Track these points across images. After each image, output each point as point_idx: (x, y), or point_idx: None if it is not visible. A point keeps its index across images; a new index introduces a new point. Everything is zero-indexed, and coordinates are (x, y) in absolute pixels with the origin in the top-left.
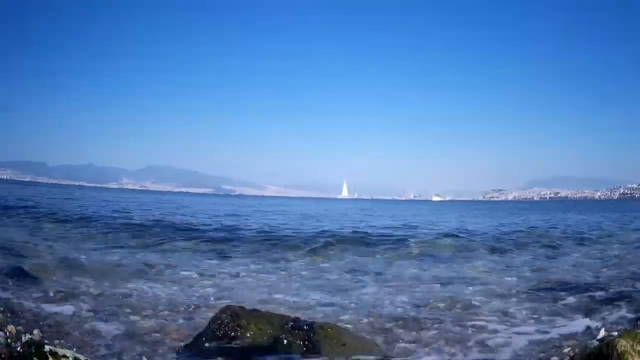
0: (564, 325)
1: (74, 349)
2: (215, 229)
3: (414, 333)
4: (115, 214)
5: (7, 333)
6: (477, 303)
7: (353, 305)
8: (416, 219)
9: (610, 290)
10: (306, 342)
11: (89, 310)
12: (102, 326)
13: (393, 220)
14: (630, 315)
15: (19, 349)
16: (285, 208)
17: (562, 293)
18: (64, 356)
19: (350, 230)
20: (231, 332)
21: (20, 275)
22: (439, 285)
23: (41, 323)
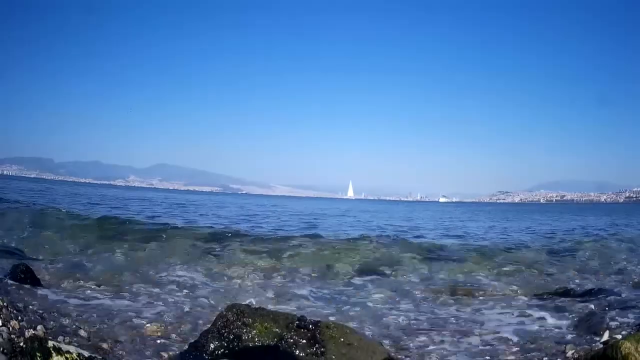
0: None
1: (77, 346)
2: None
3: None
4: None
5: (11, 328)
6: None
7: None
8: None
9: None
10: (312, 341)
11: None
12: (106, 324)
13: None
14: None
15: (22, 344)
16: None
17: None
18: (68, 352)
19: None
20: (237, 330)
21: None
22: None
23: (45, 319)
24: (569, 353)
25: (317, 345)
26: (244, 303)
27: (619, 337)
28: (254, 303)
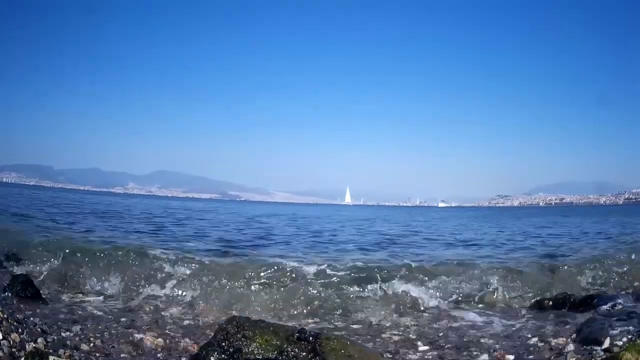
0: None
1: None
2: None
3: None
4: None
5: (11, 342)
6: None
7: None
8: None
9: None
10: (312, 354)
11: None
12: (107, 337)
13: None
14: None
15: (22, 358)
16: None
17: None
18: None
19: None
20: (237, 343)
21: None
22: None
23: (46, 332)
24: None
25: (317, 358)
26: (244, 316)
27: (620, 343)
28: (254, 316)
